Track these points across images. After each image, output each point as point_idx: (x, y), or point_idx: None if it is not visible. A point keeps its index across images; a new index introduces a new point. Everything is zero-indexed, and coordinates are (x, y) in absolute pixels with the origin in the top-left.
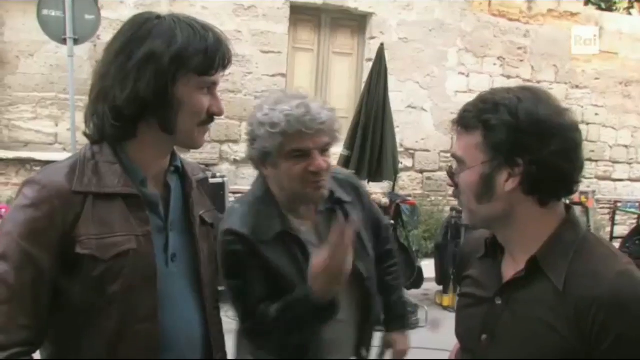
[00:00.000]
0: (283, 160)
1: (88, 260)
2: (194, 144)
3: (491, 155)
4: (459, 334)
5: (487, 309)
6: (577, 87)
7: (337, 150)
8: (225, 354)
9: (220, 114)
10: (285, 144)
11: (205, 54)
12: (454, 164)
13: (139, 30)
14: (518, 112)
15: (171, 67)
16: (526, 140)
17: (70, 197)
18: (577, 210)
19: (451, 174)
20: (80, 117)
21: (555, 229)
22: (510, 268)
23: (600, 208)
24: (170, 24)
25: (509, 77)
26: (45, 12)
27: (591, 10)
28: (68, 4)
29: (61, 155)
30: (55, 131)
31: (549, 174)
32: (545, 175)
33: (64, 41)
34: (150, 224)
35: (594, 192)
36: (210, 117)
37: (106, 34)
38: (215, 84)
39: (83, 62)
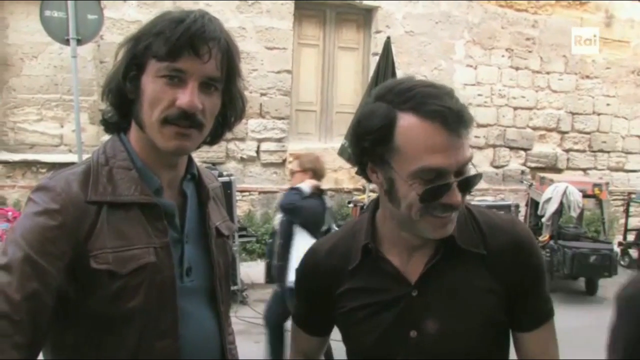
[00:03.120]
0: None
1: (105, 275)
2: (160, 143)
3: None
4: (364, 349)
5: (402, 306)
6: (587, 77)
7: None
8: None
9: (188, 107)
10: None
11: (163, 34)
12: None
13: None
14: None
15: (133, 50)
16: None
17: (85, 207)
18: (591, 202)
19: (465, 185)
20: (84, 118)
21: None
22: (413, 263)
23: (614, 200)
24: (158, 15)
25: (517, 68)
26: (47, 13)
27: None
28: (70, 4)
29: (67, 157)
30: (61, 132)
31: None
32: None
33: (67, 42)
34: (168, 234)
35: (607, 183)
36: (179, 112)
37: (109, 34)
38: (182, 71)
39: (87, 62)
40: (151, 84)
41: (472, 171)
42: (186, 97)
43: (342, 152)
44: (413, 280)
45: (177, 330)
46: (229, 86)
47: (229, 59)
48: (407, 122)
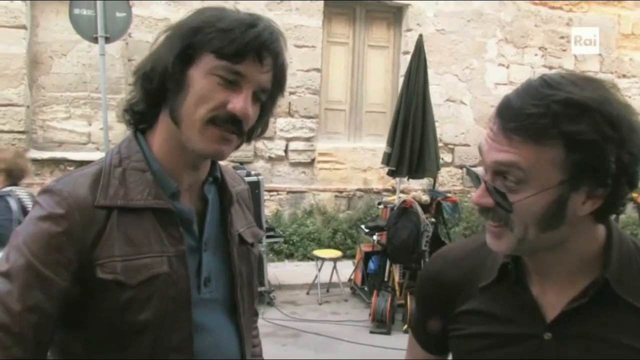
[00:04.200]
0: None
1: (112, 285)
2: (198, 143)
3: (572, 174)
4: None
5: (532, 348)
6: (624, 76)
7: (378, 147)
8: None
9: (241, 113)
10: None
11: (229, 32)
12: (493, 177)
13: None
14: (614, 118)
15: (187, 39)
16: (626, 156)
17: (92, 212)
18: (629, 206)
19: (498, 193)
20: (112, 116)
21: (605, 242)
22: (552, 295)
23: None
24: (213, 7)
25: (551, 67)
26: (76, 11)
27: None
28: (99, 2)
29: (94, 155)
30: (89, 130)
31: (631, 190)
32: (628, 192)
33: (95, 40)
34: (184, 242)
35: None
36: (228, 115)
37: (138, 32)
38: (241, 75)
39: (115, 60)
40: (202, 80)
41: (505, 188)
42: (240, 102)
43: (384, 160)
44: (549, 319)
45: (191, 345)
46: (272, 101)
47: (282, 75)
48: None
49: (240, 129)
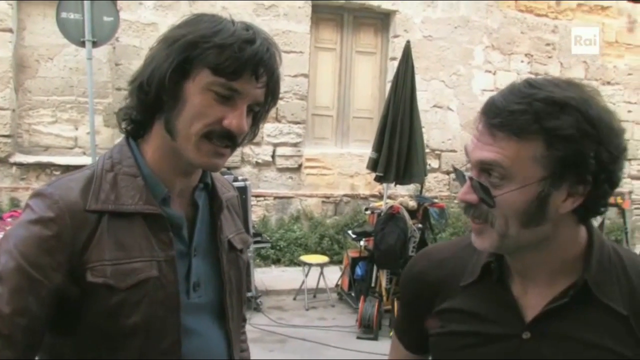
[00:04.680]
0: None
1: (102, 289)
2: (193, 157)
3: (553, 170)
4: None
5: (511, 347)
6: (608, 83)
7: (366, 152)
8: None
9: (237, 130)
10: None
11: (226, 49)
12: (479, 174)
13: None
14: (592, 116)
15: (184, 53)
16: (605, 154)
17: (83, 216)
18: (612, 211)
19: (482, 188)
20: (99, 121)
21: (587, 246)
22: (533, 295)
23: (635, 208)
24: (209, 17)
25: (536, 74)
26: (64, 14)
27: (623, 3)
28: (87, 5)
29: (81, 160)
30: (75, 135)
31: (611, 190)
32: (609, 192)
33: (82, 44)
34: (174, 247)
35: (630, 192)
36: (223, 131)
37: (125, 36)
38: (237, 92)
39: (102, 64)
40: (198, 95)
41: (489, 183)
42: (236, 119)
43: (369, 165)
44: (529, 319)
45: (180, 349)
46: (264, 113)
47: (276, 88)
48: None
49: (235, 143)
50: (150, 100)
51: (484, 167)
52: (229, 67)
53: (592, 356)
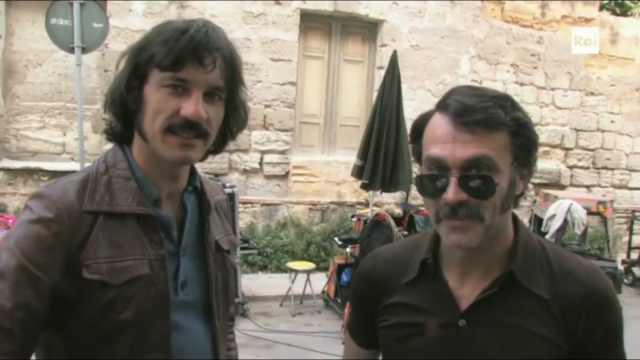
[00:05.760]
0: None
1: (97, 285)
2: (163, 153)
3: (516, 155)
4: None
5: (448, 334)
6: (592, 94)
7: (353, 160)
8: None
9: (193, 116)
10: None
11: (167, 44)
12: (463, 173)
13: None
14: (521, 109)
15: (135, 60)
16: (535, 137)
17: (80, 216)
18: (595, 220)
19: (482, 182)
20: (87, 127)
21: (514, 236)
22: (468, 287)
23: (617, 217)
24: (161, 23)
25: (522, 84)
26: (53, 20)
27: (606, 15)
28: (76, 12)
29: (69, 165)
30: (63, 140)
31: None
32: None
33: (72, 50)
34: (164, 246)
35: (612, 201)
36: (183, 121)
37: (114, 43)
38: (186, 81)
39: (91, 70)
40: (155, 94)
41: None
42: (191, 106)
43: (354, 172)
44: (464, 308)
45: (168, 344)
46: (232, 95)
47: (233, 68)
48: (432, 118)
49: (200, 131)
50: (121, 112)
51: (469, 165)
52: (170, 60)
53: (521, 338)
